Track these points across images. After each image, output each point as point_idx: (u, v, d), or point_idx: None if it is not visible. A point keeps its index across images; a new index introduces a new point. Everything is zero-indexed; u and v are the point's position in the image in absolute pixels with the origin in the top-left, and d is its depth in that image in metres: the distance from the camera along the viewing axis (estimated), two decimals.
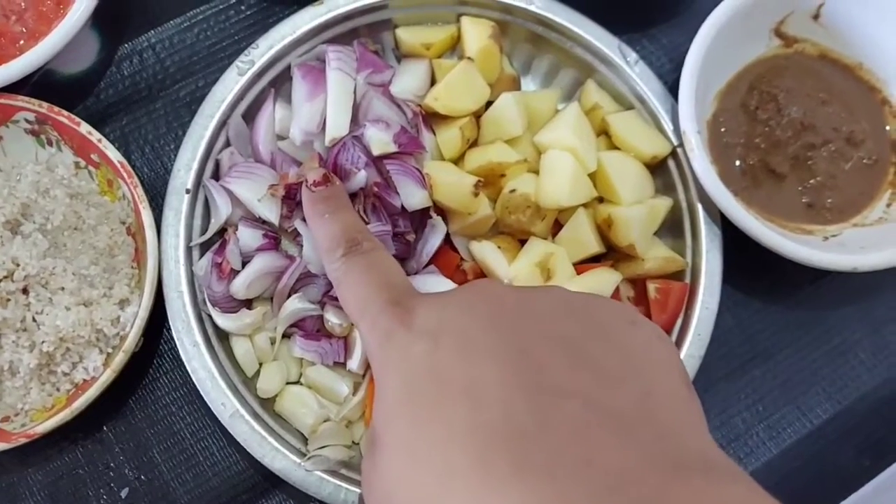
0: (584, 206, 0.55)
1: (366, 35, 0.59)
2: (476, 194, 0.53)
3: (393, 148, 0.53)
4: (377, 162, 0.54)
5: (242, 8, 0.62)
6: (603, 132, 0.58)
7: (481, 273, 0.55)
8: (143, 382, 0.56)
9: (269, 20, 0.61)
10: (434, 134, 0.56)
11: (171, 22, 0.61)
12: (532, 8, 0.58)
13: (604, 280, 0.53)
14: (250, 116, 0.57)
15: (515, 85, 0.60)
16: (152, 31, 0.61)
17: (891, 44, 0.59)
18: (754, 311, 0.60)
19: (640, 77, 0.57)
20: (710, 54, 0.56)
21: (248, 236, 0.53)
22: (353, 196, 0.53)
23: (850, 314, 0.60)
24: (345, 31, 0.59)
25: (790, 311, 0.60)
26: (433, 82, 0.58)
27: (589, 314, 0.34)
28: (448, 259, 0.55)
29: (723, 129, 0.60)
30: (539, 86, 0.62)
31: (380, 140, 0.53)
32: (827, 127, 0.60)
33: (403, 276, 0.39)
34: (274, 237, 0.54)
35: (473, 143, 0.57)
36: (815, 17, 0.60)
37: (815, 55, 0.62)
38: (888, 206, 0.59)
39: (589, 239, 0.54)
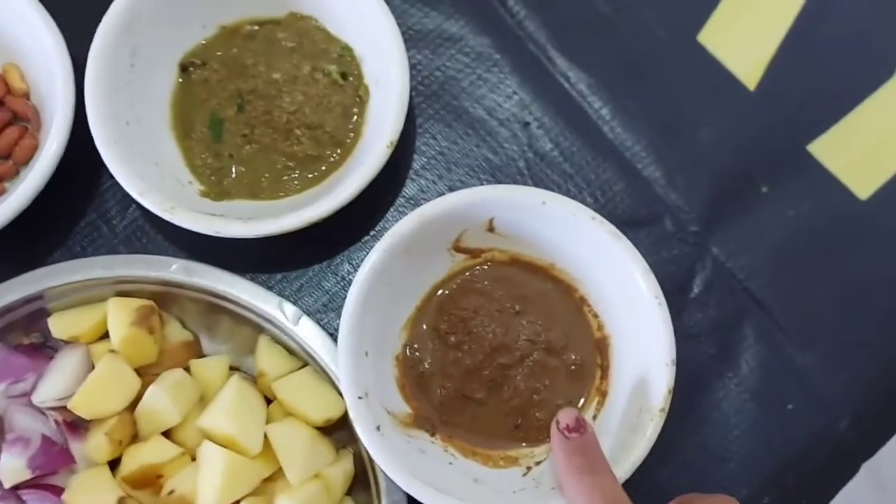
0: (255, 492, 0.51)
1: (24, 327, 0.56)
2: None
3: (28, 475, 0.49)
4: (14, 492, 0.50)
5: None
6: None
7: None
8: None
9: None
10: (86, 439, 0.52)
11: None
12: (189, 279, 0.55)
13: None
14: None
15: (192, 349, 0.57)
16: None
17: (572, 247, 0.57)
18: None
19: (303, 333, 0.54)
20: (370, 301, 0.53)
21: None
22: None
23: None
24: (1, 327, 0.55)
25: None
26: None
27: None
28: None
29: (417, 355, 0.57)
30: (223, 342, 0.59)
31: (12, 469, 0.49)
32: (523, 341, 0.57)
33: None
34: None
35: (136, 438, 0.53)
36: (490, 230, 0.57)
37: (506, 260, 0.59)
38: (594, 417, 0.56)
39: None
